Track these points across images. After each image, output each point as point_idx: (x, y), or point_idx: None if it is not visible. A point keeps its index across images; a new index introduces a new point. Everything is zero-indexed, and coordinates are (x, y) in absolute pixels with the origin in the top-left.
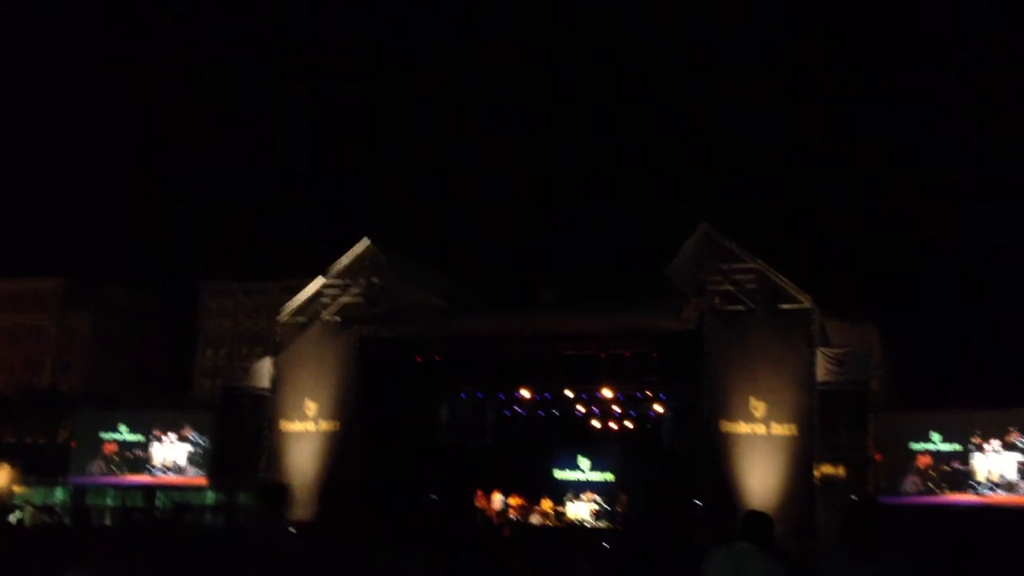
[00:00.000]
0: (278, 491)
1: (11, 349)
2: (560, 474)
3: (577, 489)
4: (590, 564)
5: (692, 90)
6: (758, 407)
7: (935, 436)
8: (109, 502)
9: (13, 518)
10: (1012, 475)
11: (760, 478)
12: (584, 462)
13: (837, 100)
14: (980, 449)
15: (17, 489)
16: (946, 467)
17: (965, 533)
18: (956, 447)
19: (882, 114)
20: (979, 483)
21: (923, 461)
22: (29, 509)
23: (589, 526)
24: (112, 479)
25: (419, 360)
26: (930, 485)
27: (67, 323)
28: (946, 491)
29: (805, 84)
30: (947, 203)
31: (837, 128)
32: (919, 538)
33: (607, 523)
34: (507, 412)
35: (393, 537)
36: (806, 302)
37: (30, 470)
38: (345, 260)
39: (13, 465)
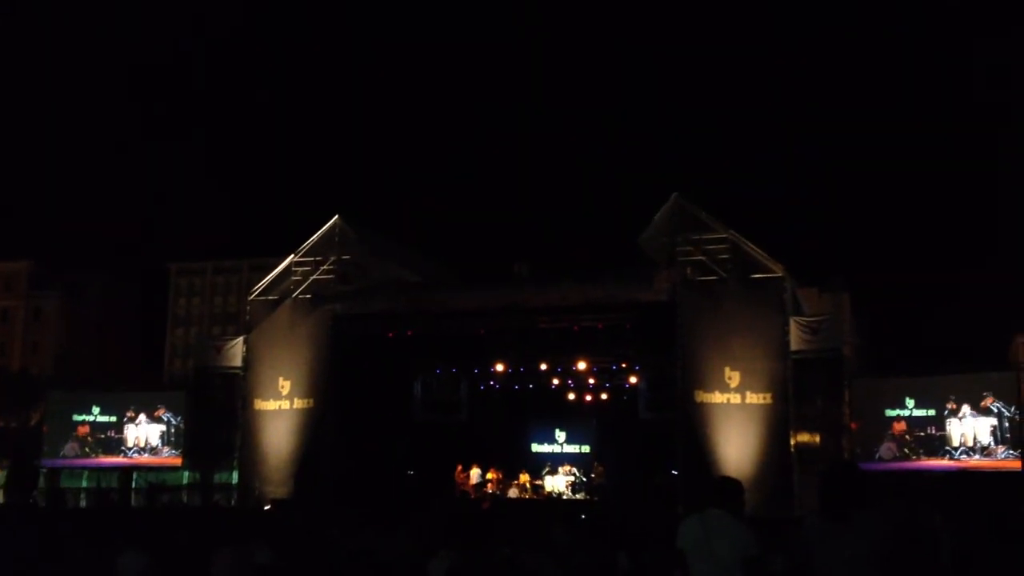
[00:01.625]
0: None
1: None
2: (537, 447)
3: (554, 462)
4: (567, 534)
5: (660, 61)
6: (733, 376)
7: (909, 402)
8: (84, 484)
9: None
10: (986, 439)
11: (736, 447)
12: (560, 435)
13: (805, 70)
14: (955, 414)
15: None
16: (921, 433)
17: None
18: (931, 412)
19: (850, 83)
20: (954, 448)
21: (898, 427)
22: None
23: (566, 498)
24: (86, 461)
25: (392, 336)
26: (906, 451)
27: (35, 305)
28: (922, 456)
29: (774, 56)
30: (918, 167)
31: (803, 98)
32: (897, 504)
33: (584, 494)
34: (482, 386)
35: (369, 514)
36: (778, 271)
37: (2, 453)
38: (315, 237)
39: None
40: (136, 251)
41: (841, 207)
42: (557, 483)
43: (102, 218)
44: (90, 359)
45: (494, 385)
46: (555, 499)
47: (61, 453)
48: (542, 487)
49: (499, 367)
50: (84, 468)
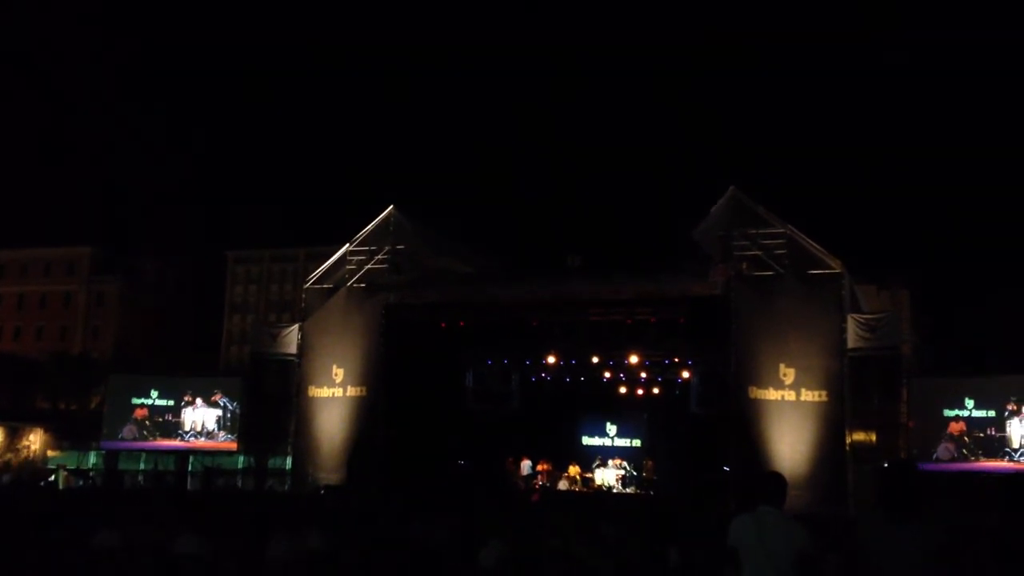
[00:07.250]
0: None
1: (43, 316)
2: (588, 440)
3: (605, 455)
4: (616, 528)
5: (717, 51)
6: (788, 373)
7: (968, 402)
8: (142, 466)
9: (47, 482)
10: None
11: (790, 444)
12: (611, 428)
13: (861, 60)
14: (1016, 415)
15: (51, 453)
16: (980, 433)
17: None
18: (990, 413)
19: (907, 73)
20: (1014, 450)
21: (956, 427)
22: (63, 473)
23: (616, 491)
24: (144, 444)
25: (444, 326)
26: (964, 451)
27: (96, 290)
28: (981, 457)
29: (832, 45)
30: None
31: (862, 89)
32: (951, 504)
33: (634, 488)
34: (533, 378)
35: (419, 502)
36: (837, 267)
37: (63, 435)
38: (370, 227)
39: (47, 430)
40: (195, 237)
41: (902, 202)
42: (607, 476)
43: (162, 204)
44: (148, 343)
45: (545, 377)
46: (605, 492)
47: (120, 435)
48: (592, 480)
49: (551, 359)
50: (142, 450)
